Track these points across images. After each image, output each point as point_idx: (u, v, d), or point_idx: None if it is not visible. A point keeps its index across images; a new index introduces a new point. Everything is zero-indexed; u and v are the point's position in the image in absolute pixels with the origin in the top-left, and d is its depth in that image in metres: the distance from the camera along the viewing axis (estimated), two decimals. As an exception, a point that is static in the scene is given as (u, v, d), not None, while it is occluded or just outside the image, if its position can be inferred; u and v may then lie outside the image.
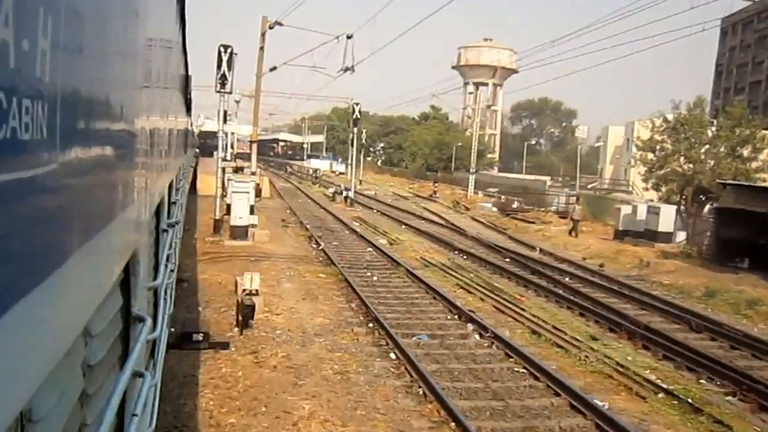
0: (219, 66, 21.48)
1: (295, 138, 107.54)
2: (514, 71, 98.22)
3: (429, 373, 9.61)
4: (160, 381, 4.09)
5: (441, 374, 9.95)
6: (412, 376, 9.66)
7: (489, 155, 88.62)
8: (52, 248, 1.14)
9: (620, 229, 29.06)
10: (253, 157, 29.75)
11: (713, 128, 42.48)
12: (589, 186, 69.15)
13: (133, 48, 2.23)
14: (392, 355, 10.91)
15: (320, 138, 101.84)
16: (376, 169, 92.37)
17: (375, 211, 38.02)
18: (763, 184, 30.46)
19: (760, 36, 72.53)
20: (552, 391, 9.30)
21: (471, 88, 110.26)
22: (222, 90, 22.09)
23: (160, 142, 4.25)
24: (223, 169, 24.62)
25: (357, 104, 42.42)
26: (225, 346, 11.13)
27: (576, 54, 43.89)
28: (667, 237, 26.33)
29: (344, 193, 41.86)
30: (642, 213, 27.98)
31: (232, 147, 45.57)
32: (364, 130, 52.23)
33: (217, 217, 23.07)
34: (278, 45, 33.12)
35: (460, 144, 78.30)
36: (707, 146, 41.73)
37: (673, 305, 15.58)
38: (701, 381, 10.27)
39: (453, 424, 8.00)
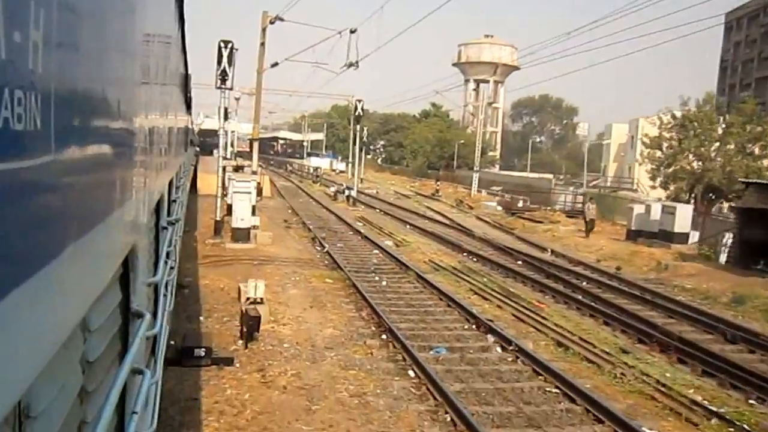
0: (219, 62, 20.58)
1: (295, 136, 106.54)
2: (516, 68, 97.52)
3: (454, 395, 8.74)
4: (161, 379, 4.05)
5: (467, 396, 9.07)
6: (436, 399, 8.78)
7: (490, 153, 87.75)
8: (47, 241, 1.12)
9: (633, 229, 28.15)
10: (255, 155, 28.81)
11: (722, 125, 41.66)
12: (591, 184, 68.32)
13: (130, 43, 2.21)
14: (411, 373, 10.04)
15: (320, 136, 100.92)
16: (376, 167, 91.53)
17: (378, 210, 37.20)
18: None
19: (767, 31, 71.58)
20: (593, 417, 8.41)
21: (472, 85, 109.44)
22: (222, 86, 21.19)
23: (159, 140, 4.15)
24: (224, 168, 23.74)
25: (359, 101, 41.53)
26: (229, 362, 10.27)
27: (577, 51, 43.26)
28: (684, 238, 25.40)
29: (346, 192, 41.06)
30: (656, 213, 27.03)
31: (232, 145, 44.67)
32: (365, 128, 51.28)
33: (217, 218, 22.18)
34: (279, 41, 32.29)
35: (462, 142, 77.46)
36: (717, 143, 40.91)
37: (701, 312, 14.71)
38: (751, 401, 9.40)
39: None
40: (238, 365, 10.15)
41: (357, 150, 44.59)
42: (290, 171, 77.39)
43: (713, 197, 42.03)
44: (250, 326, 11.22)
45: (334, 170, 78.67)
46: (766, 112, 43.47)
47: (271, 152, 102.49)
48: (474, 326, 13.00)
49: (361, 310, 13.98)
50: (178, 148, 10.18)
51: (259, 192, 27.68)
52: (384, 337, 11.97)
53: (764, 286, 17.23)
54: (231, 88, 22.04)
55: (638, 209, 28.62)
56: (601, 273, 19.83)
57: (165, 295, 3.96)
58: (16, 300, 0.92)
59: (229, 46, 20.63)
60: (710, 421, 8.44)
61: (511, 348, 11.32)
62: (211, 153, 50.29)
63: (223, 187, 23.12)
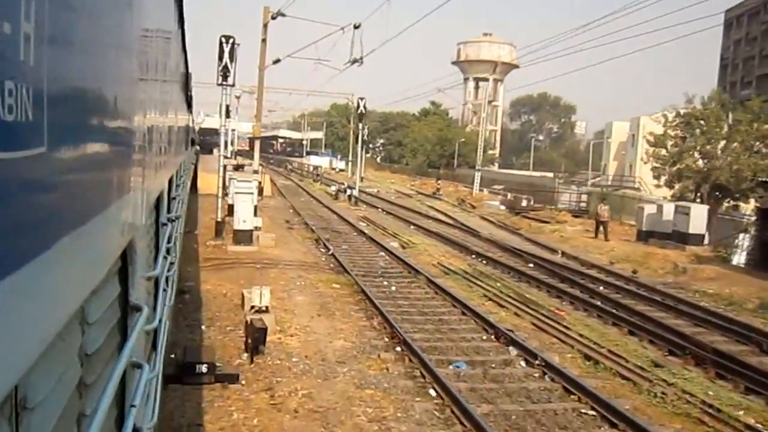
0: (221, 57, 19.73)
1: (295, 135, 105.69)
2: (515, 66, 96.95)
3: (483, 419, 7.96)
4: (161, 373, 4.07)
5: (496, 420, 8.28)
6: (464, 425, 7.98)
7: (490, 151, 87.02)
8: (41, 231, 1.12)
9: (644, 229, 27.34)
10: (256, 154, 27.99)
11: (729, 122, 40.92)
12: (591, 182, 67.54)
13: (128, 40, 2.21)
14: (432, 392, 9.25)
15: (319, 135, 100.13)
16: (375, 165, 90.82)
17: (380, 210, 36.45)
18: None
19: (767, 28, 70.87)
20: (639, 445, 7.64)
21: (472, 83, 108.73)
22: (224, 83, 20.34)
23: (159, 137, 4.11)
24: (224, 167, 22.92)
25: (362, 99, 40.66)
26: (234, 379, 9.47)
27: (574, 51, 42.76)
28: (699, 239, 24.57)
29: (348, 192, 40.28)
30: (669, 213, 26.20)
31: (232, 144, 43.92)
32: (366, 127, 50.48)
33: (218, 219, 21.36)
34: (279, 38, 31.51)
35: (463, 140, 76.71)
36: (724, 141, 40.15)
37: (729, 320, 13.94)
38: (807, 424, 8.63)
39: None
40: (243, 383, 9.37)
41: (359, 148, 43.65)
42: (290, 170, 76.63)
43: (720, 196, 41.33)
44: (256, 339, 10.42)
45: (333, 169, 77.94)
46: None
47: (271, 151, 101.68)
48: (493, 337, 12.22)
49: (372, 318, 13.20)
50: (179, 146, 9.90)
51: (260, 191, 26.89)
52: (399, 349, 11.19)
53: (791, 292, 16.48)
54: (233, 85, 21.20)
55: (649, 209, 27.81)
56: (616, 276, 19.06)
57: (165, 290, 4.01)
58: (10, 287, 0.93)
59: (231, 41, 19.78)
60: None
61: (537, 363, 10.53)
62: (211, 152, 49.59)
63: (224, 187, 22.34)
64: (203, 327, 11.99)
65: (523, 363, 10.83)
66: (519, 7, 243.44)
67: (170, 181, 6.20)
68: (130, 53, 2.29)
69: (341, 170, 74.89)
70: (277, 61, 26.84)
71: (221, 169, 22.50)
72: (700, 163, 41.50)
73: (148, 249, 3.55)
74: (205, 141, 58.38)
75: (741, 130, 38.52)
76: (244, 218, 19.66)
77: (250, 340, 10.54)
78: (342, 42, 30.28)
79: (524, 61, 69.66)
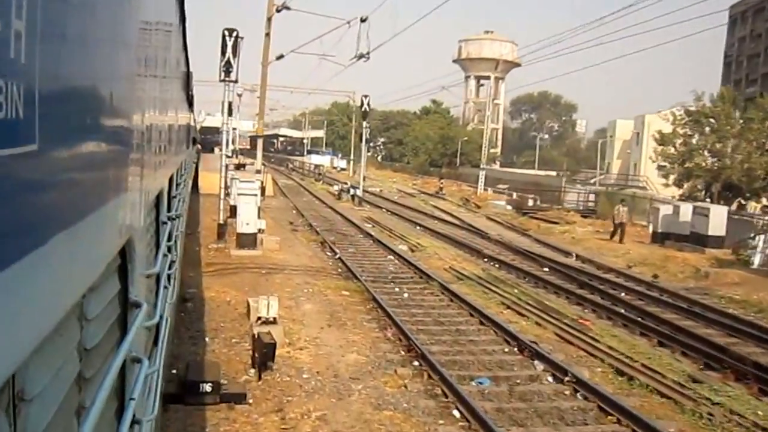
0: (223, 52, 18.93)
1: (295, 133, 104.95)
2: (517, 64, 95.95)
3: (518, 447, 7.19)
4: (162, 368, 4.06)
5: (532, 447, 7.52)
6: (498, 455, 7.22)
7: (492, 150, 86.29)
8: (38, 226, 1.12)
9: (659, 231, 26.51)
10: (259, 153, 27.22)
11: (740, 120, 40.19)
12: (592, 180, 66.77)
13: (126, 35, 2.18)
14: (456, 413, 8.49)
15: (320, 133, 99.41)
16: (376, 164, 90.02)
17: (385, 210, 35.71)
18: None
19: (773, 25, 70.00)
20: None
21: (473, 81, 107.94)
22: (227, 79, 19.55)
23: (158, 135, 4.08)
24: (226, 167, 22.15)
25: (366, 96, 39.86)
26: (241, 398, 8.72)
27: (577, 49, 42.14)
28: (718, 242, 23.70)
29: (351, 191, 39.53)
30: (686, 214, 25.34)
31: (233, 142, 43.19)
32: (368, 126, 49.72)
33: (220, 221, 20.59)
34: (281, 34, 30.74)
35: (465, 138, 75.95)
36: (734, 140, 39.44)
37: (762, 329, 13.17)
38: None
39: None
40: (251, 402, 8.62)
41: (363, 147, 42.86)
42: (291, 169, 75.86)
43: (731, 195, 40.60)
44: (264, 354, 9.64)
45: (334, 168, 77.20)
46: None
47: (272, 149, 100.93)
48: (516, 349, 11.45)
49: (386, 329, 12.42)
50: (179, 145, 9.67)
51: (262, 191, 26.17)
52: (416, 363, 10.42)
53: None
54: (236, 81, 20.37)
55: (665, 210, 26.93)
56: (637, 281, 18.26)
57: (165, 287, 3.99)
58: (6, 278, 0.93)
59: (234, 35, 18.97)
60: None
61: (567, 379, 9.76)
62: (212, 151, 48.87)
63: (226, 187, 21.60)
64: (207, 339, 11.24)
65: (550, 378, 10.07)
66: (520, 6, 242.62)
67: (171, 180, 6.23)
68: (128, 49, 2.27)
69: (342, 169, 74.20)
70: (280, 57, 26.08)
71: (223, 168, 21.70)
72: (710, 161, 40.85)
73: (148, 247, 3.58)
74: (206, 140, 57.76)
75: (753, 128, 37.79)
76: (247, 221, 18.88)
77: (257, 356, 9.78)
78: (347, 37, 29.47)
79: (525, 60, 68.77)
